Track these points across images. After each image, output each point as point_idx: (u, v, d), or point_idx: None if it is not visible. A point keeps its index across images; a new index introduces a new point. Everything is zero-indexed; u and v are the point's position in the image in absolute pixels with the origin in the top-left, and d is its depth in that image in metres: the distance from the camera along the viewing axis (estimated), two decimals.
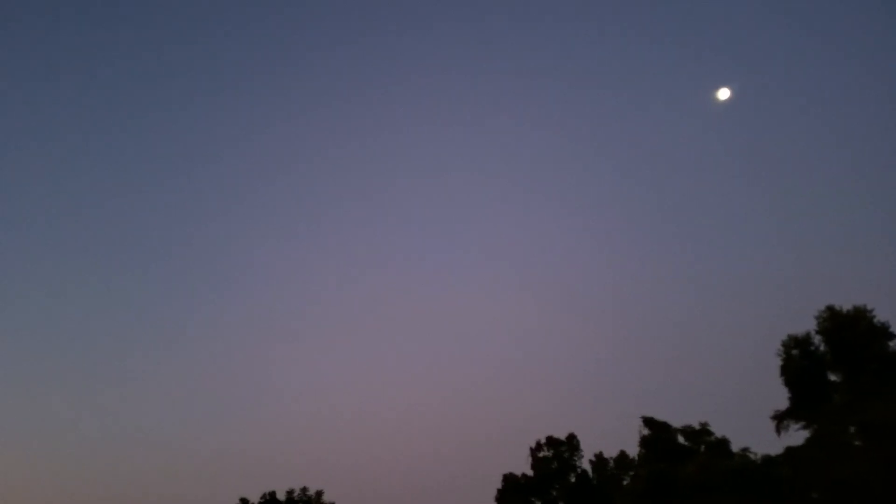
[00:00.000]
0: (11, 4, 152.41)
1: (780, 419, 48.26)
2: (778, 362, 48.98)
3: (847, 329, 46.24)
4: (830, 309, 47.44)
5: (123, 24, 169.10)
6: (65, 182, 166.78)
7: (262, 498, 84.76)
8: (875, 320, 46.14)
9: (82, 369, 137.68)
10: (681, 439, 58.73)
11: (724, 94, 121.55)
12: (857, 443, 43.74)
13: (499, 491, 72.93)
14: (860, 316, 46.38)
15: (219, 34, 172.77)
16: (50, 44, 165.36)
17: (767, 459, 50.62)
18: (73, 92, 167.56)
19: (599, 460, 71.21)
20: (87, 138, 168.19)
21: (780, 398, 48.90)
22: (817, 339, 47.75)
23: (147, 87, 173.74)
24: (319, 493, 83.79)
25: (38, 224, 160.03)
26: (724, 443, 56.39)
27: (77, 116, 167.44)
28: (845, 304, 47.33)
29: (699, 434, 57.96)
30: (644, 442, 60.24)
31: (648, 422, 60.30)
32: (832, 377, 47.12)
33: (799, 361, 47.99)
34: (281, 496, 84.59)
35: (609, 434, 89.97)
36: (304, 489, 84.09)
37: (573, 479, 71.03)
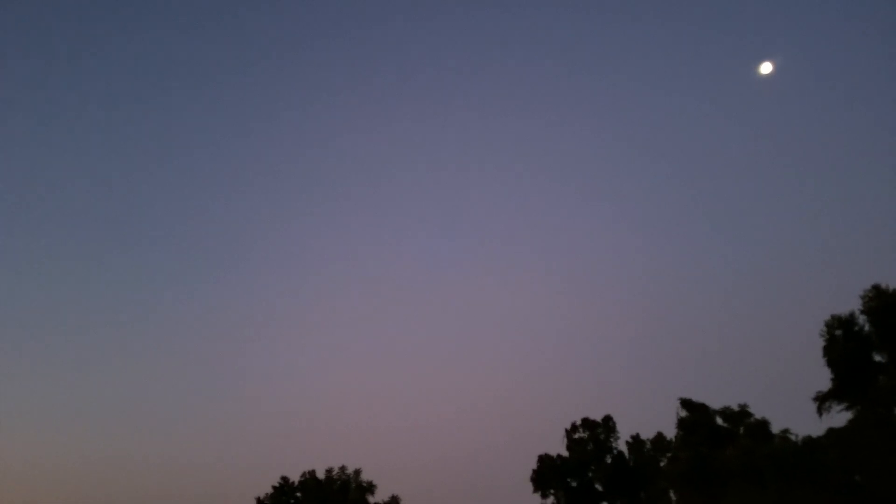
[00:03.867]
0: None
1: (823, 400, 47.27)
2: (821, 343, 47.94)
3: (894, 309, 44.91)
4: (876, 288, 46.05)
5: (121, 11, 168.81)
6: (64, 176, 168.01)
7: (301, 476, 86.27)
8: None
9: (93, 357, 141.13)
10: (719, 421, 58.10)
11: (766, 68, 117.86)
12: None
13: (534, 472, 72.98)
14: None
15: (218, 25, 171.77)
16: (45, 30, 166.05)
17: (809, 441, 49.71)
18: (66, 82, 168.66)
19: (636, 442, 70.78)
20: (85, 130, 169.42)
21: (823, 379, 47.99)
22: (862, 319, 46.51)
23: (143, 77, 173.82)
24: (358, 472, 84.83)
25: (40, 215, 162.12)
26: (764, 424, 55.58)
27: (74, 106, 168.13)
28: (892, 283, 45.94)
29: (738, 416, 57.22)
30: (682, 424, 59.68)
31: (686, 403, 59.71)
32: (877, 358, 45.93)
33: (843, 342, 46.84)
34: (320, 475, 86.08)
35: (646, 416, 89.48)
36: (343, 468, 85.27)
37: (609, 461, 70.82)
